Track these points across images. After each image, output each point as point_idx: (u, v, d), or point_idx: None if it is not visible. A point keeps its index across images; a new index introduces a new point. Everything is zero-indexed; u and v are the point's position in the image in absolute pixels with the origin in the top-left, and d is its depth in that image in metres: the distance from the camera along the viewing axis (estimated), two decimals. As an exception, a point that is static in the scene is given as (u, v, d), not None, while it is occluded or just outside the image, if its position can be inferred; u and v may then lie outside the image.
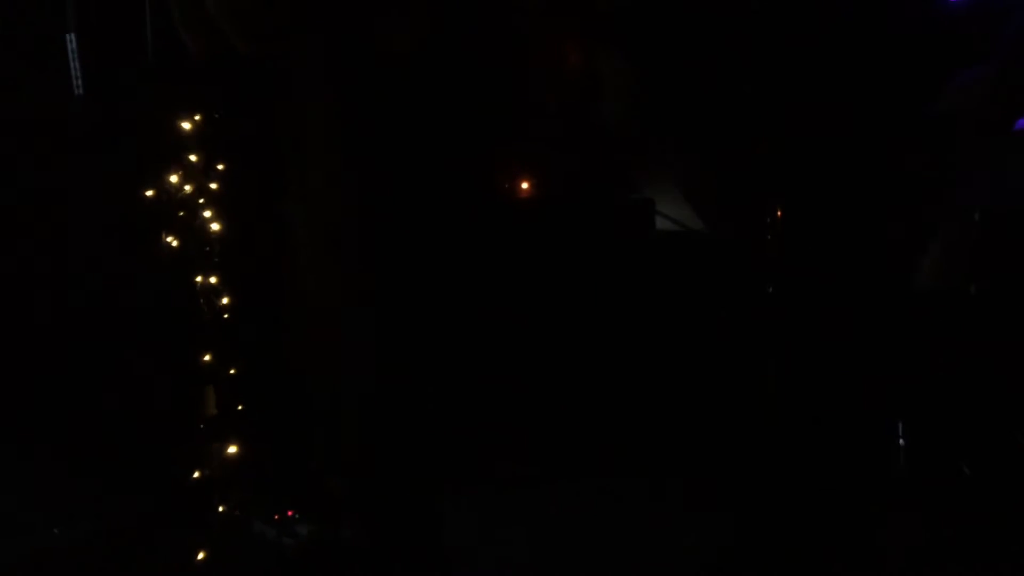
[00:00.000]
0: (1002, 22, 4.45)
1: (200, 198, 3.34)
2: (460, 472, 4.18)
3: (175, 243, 3.33)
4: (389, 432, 4.05)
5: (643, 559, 3.60)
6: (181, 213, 3.29)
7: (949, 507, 3.63)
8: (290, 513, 3.56)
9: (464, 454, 4.33)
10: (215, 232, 3.38)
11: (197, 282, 3.34)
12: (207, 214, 3.35)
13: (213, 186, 3.37)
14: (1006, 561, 3.28)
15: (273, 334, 3.82)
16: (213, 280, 3.38)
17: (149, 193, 3.33)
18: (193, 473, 3.33)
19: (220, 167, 3.38)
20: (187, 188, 3.33)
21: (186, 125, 3.36)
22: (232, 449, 3.34)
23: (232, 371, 3.41)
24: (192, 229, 3.34)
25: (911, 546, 3.44)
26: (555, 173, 4.88)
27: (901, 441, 4.03)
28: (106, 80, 3.67)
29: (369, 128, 4.25)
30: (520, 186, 4.86)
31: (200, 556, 3.19)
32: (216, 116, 3.41)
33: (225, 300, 3.39)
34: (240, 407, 3.42)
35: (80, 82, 3.68)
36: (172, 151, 3.36)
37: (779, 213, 4.52)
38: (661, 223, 4.85)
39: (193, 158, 3.34)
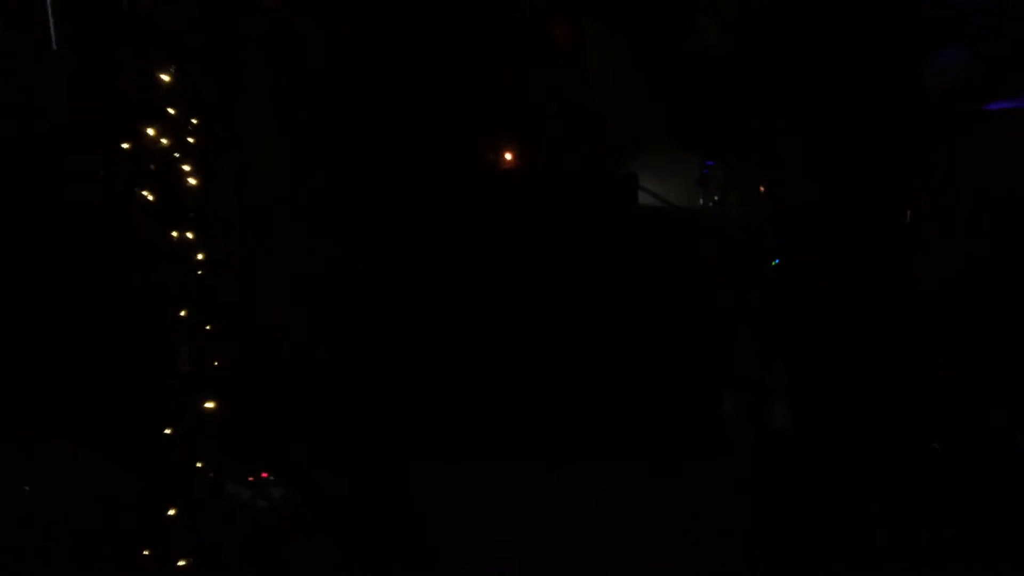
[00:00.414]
0: (978, 4, 4.48)
1: (176, 152, 3.28)
2: (445, 456, 4.13)
3: (151, 197, 3.26)
4: (357, 400, 4.02)
5: (633, 550, 3.56)
6: (152, 167, 3.23)
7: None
8: (264, 475, 3.51)
9: (449, 437, 4.28)
10: (192, 187, 3.32)
11: (173, 237, 3.28)
12: (186, 168, 3.30)
13: (190, 140, 3.32)
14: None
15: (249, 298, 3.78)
16: (190, 235, 3.32)
17: (125, 146, 3.27)
18: (165, 431, 3.26)
19: (195, 121, 3.33)
20: (164, 142, 3.28)
21: (165, 77, 3.31)
22: (208, 405, 3.27)
23: (208, 328, 3.36)
24: (168, 183, 3.28)
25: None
26: (540, 147, 4.85)
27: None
28: (82, 35, 3.61)
29: (351, 97, 4.23)
30: (504, 158, 4.83)
31: (171, 512, 3.12)
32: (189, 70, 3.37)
33: (200, 256, 3.34)
34: (215, 364, 3.36)
35: (55, 38, 3.62)
36: (148, 104, 3.31)
37: (762, 189, 4.51)
38: (644, 198, 4.84)
39: (171, 111, 3.29)
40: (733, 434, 4.40)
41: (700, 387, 4.55)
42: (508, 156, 4.82)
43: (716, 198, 4.71)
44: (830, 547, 3.46)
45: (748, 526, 3.66)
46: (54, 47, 3.67)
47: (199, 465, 3.18)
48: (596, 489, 4.05)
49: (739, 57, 4.63)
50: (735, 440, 4.36)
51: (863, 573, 3.33)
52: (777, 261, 4.50)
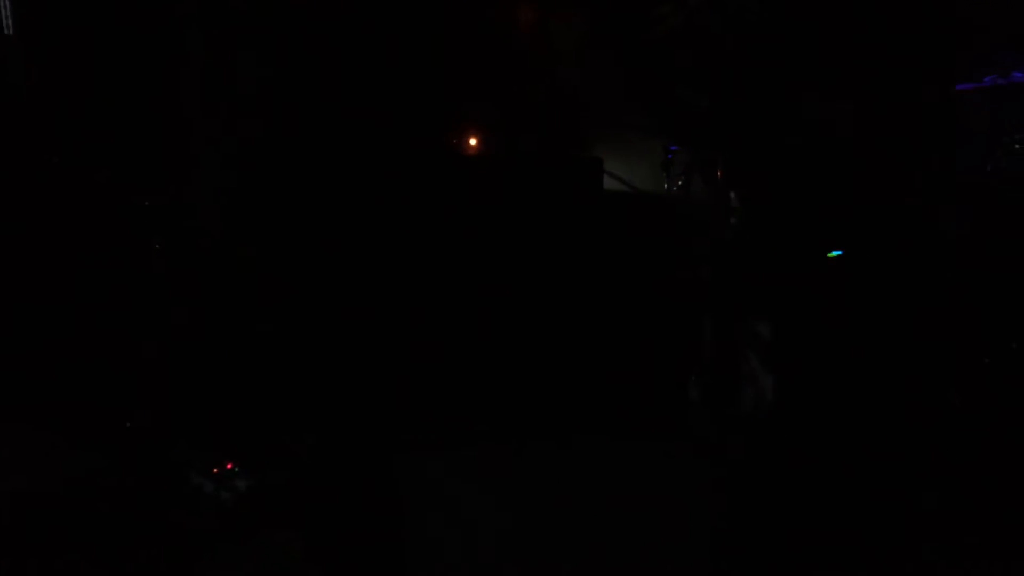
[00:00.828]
0: None
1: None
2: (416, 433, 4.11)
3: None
4: (330, 385, 4.00)
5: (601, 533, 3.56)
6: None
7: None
8: (229, 466, 3.47)
9: (415, 414, 4.27)
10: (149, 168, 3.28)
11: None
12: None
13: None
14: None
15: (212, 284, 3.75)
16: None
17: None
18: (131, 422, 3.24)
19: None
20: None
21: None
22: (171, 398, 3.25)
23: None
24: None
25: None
26: (504, 130, 4.83)
27: None
28: (37, 20, 3.55)
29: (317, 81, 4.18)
30: (467, 143, 4.80)
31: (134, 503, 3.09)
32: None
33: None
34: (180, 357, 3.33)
35: (9, 22, 3.55)
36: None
37: (719, 173, 4.51)
38: (608, 183, 4.84)
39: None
40: (696, 421, 4.41)
41: (667, 372, 4.57)
42: (472, 141, 4.80)
43: (680, 182, 4.72)
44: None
45: (717, 521, 3.65)
46: (7, 32, 3.61)
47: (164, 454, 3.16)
48: (556, 475, 4.06)
49: (705, 42, 4.62)
50: (698, 427, 4.37)
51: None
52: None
